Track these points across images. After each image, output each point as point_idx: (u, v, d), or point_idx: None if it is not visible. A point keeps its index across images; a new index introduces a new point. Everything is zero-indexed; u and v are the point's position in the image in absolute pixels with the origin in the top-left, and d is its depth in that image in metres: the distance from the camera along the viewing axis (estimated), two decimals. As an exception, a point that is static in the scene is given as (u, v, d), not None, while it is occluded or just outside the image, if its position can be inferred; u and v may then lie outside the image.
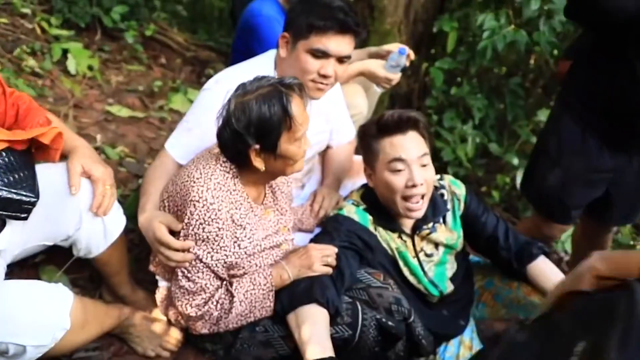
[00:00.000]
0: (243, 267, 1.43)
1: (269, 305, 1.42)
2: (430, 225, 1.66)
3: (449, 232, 1.70)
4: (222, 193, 1.36)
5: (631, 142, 1.81)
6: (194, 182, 1.35)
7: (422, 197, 1.56)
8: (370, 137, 1.59)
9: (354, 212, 1.63)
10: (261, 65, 1.69)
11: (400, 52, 2.11)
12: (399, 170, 1.54)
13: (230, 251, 1.39)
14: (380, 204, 1.63)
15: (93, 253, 1.49)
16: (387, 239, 1.63)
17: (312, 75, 1.58)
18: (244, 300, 1.40)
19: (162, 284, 1.54)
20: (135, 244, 1.85)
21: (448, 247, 1.69)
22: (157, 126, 2.69)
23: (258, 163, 1.36)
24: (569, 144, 1.84)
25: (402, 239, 1.65)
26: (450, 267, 1.70)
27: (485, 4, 3.01)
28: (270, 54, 1.74)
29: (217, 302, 1.40)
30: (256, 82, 1.34)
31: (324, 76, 1.58)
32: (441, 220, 1.70)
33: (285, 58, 1.63)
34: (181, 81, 3.22)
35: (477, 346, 1.72)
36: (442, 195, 1.71)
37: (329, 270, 1.46)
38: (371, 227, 1.62)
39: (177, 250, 1.38)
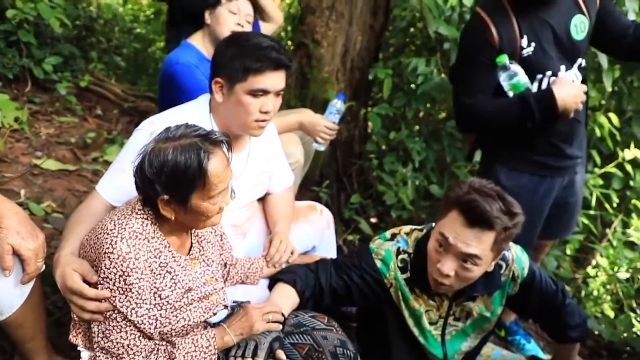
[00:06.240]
0: (170, 323, 1.33)
1: None
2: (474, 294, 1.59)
3: (486, 304, 1.63)
4: (138, 241, 1.28)
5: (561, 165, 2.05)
6: (107, 234, 1.27)
7: (449, 285, 1.48)
8: (449, 198, 1.48)
9: (382, 256, 1.60)
10: (196, 110, 1.68)
11: (339, 98, 2.13)
12: (440, 247, 1.46)
13: (151, 304, 1.30)
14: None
15: (5, 314, 1.34)
16: (404, 296, 1.59)
17: (255, 115, 1.60)
18: None
19: (85, 355, 1.40)
20: (58, 307, 1.70)
21: (478, 320, 1.63)
22: (89, 179, 2.56)
23: (167, 212, 1.29)
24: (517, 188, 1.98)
25: (436, 300, 1.59)
26: (470, 342, 1.65)
27: (417, 51, 3.15)
28: (204, 99, 1.72)
29: None
30: (183, 129, 1.29)
31: (266, 112, 1.60)
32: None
33: (223, 103, 1.62)
34: (118, 132, 3.11)
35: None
36: (500, 266, 1.59)
37: (275, 326, 1.41)
38: (386, 281, 1.58)
39: (90, 299, 1.27)
